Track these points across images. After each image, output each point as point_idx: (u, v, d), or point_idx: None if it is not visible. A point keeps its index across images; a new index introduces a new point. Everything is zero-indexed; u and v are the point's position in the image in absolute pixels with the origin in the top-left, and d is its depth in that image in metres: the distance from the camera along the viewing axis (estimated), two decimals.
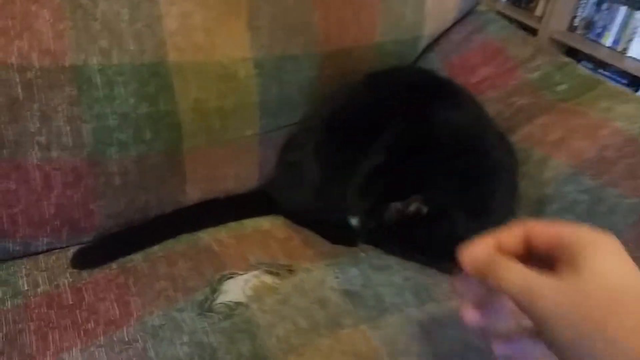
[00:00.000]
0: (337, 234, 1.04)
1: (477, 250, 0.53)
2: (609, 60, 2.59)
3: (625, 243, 0.85)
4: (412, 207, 0.91)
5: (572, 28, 2.82)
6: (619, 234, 0.86)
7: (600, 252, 0.46)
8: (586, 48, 2.68)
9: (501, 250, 0.52)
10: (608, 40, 2.69)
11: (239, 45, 1.00)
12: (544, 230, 0.50)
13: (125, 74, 0.90)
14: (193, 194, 1.05)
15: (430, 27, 1.28)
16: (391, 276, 0.96)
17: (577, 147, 0.99)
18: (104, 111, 0.90)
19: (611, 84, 1.15)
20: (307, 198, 1.06)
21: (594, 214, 0.93)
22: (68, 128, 0.88)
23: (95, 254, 0.95)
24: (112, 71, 0.89)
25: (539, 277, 0.46)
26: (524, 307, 0.47)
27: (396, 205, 0.93)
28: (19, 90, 0.83)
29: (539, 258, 0.50)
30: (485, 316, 0.56)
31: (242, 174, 1.11)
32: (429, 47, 1.32)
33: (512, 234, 0.53)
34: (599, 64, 2.59)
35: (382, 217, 0.95)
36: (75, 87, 0.87)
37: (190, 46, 0.95)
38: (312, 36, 1.08)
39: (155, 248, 0.97)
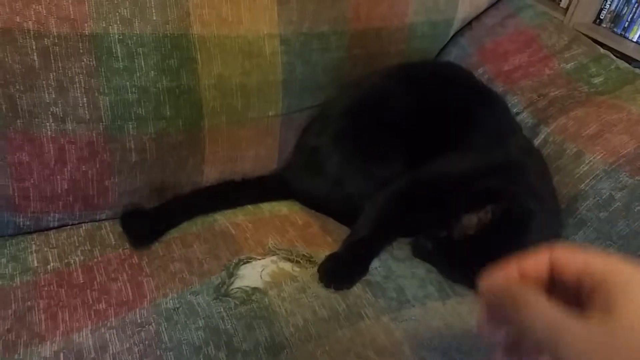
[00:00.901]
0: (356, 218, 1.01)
1: (500, 277, 0.49)
2: (635, 56, 2.52)
3: None
4: (489, 215, 0.84)
5: (597, 21, 2.75)
6: None
7: (635, 292, 0.41)
8: (611, 42, 2.60)
9: (524, 274, 0.49)
10: (635, 35, 2.61)
11: (266, 20, 0.96)
12: (571, 260, 0.46)
13: (146, 45, 0.87)
14: (211, 174, 1.02)
15: (464, 10, 1.24)
16: (413, 268, 0.92)
17: (615, 142, 0.95)
18: (123, 84, 0.87)
19: None
20: (323, 187, 1.03)
21: (630, 212, 0.89)
22: (85, 100, 0.85)
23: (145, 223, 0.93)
24: (133, 42, 0.85)
25: (567, 319, 0.42)
26: (548, 348, 0.43)
27: (471, 218, 0.85)
28: (35, 58, 0.80)
29: (565, 286, 0.46)
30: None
31: (261, 155, 1.07)
32: (461, 31, 1.28)
33: (537, 260, 0.48)
34: (624, 60, 2.51)
35: (452, 233, 0.88)
36: (93, 57, 0.84)
37: (215, 19, 0.91)
38: (341, 12, 1.04)
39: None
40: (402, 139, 0.99)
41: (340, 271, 0.87)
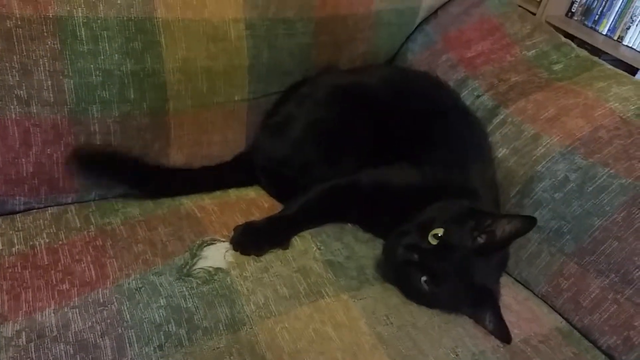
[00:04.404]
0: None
1: None
2: (604, 48, 2.57)
3: (614, 223, 0.86)
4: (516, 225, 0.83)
5: (569, 14, 2.80)
6: (607, 214, 0.87)
7: None
8: (582, 35, 2.66)
9: None
10: (605, 27, 2.67)
11: (231, 4, 0.97)
12: None
13: (111, 28, 0.87)
14: (177, 158, 1.03)
15: None
16: (376, 250, 0.94)
17: (571, 125, 0.98)
18: (88, 67, 0.87)
19: (608, 65, 1.14)
20: (283, 149, 1.05)
21: (583, 193, 0.92)
22: (49, 83, 0.85)
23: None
24: (97, 25, 0.86)
25: None
26: None
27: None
28: None
29: None
30: None
31: (228, 140, 1.08)
32: (427, 19, 1.30)
33: None
34: (594, 52, 2.54)
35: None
36: (58, 39, 0.84)
37: (179, 3, 0.91)
38: None
39: (135, 212, 0.95)
40: (372, 137, 1.01)
41: (251, 238, 0.90)
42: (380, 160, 0.97)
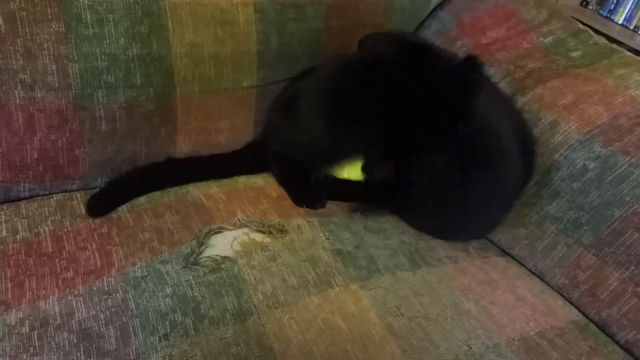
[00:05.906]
0: (301, 194, 1.00)
1: None
2: (620, 38, 2.53)
3: (635, 214, 0.83)
4: None
5: (584, 3, 2.75)
6: (627, 205, 0.85)
7: None
8: (597, 24, 2.61)
9: None
10: (620, 17, 2.63)
11: None
12: None
13: (116, 11, 0.85)
14: (184, 145, 1.01)
15: None
16: (386, 239, 0.92)
17: (590, 112, 0.95)
18: (93, 51, 0.85)
19: (627, 53, 1.11)
20: (294, 125, 1.02)
21: (602, 183, 0.89)
22: (54, 67, 0.84)
23: (106, 199, 0.93)
24: (102, 8, 0.84)
25: None
26: None
27: None
28: (1, 23, 0.79)
29: None
30: None
31: (236, 127, 1.06)
32: (441, 5, 1.27)
33: None
34: (609, 42, 2.49)
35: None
36: (62, 23, 0.82)
37: None
38: None
39: (142, 199, 0.93)
40: (388, 109, 0.96)
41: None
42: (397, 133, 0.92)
